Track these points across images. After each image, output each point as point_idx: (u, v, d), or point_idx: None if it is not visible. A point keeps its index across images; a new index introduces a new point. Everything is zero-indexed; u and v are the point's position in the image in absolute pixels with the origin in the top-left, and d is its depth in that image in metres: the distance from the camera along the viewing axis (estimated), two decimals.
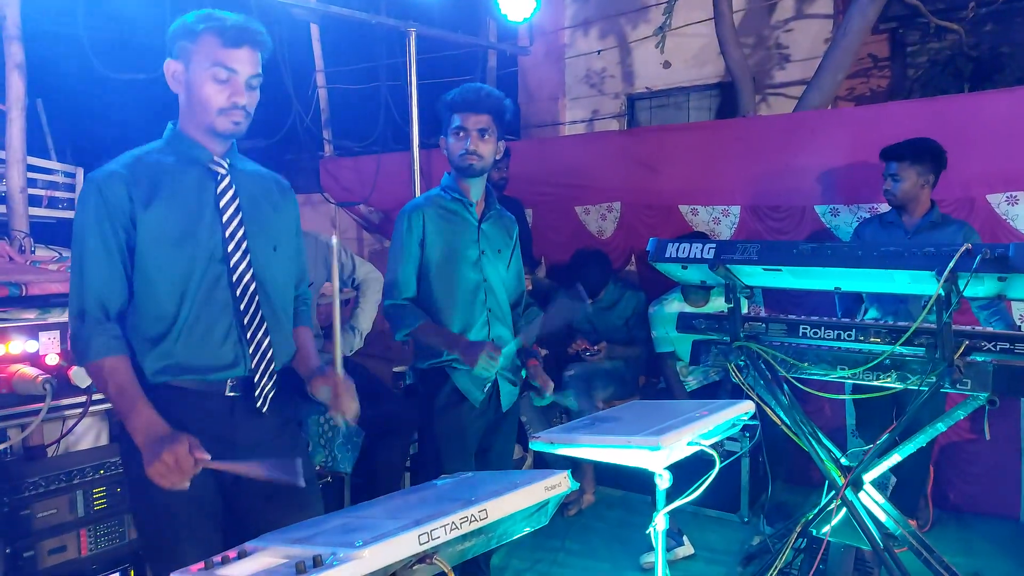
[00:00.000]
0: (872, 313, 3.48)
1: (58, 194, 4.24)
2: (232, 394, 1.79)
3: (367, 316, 3.54)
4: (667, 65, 6.32)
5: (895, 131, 3.44)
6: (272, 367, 1.84)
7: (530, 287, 2.86)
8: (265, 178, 1.96)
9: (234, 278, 1.79)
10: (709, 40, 5.77)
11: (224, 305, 1.78)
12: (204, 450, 1.61)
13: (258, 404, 1.81)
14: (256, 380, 1.80)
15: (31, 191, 3.60)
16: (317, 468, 3.20)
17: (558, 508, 1.51)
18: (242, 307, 1.79)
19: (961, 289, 2.23)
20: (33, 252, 3.26)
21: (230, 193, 1.82)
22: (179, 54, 1.76)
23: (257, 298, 1.82)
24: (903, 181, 3.27)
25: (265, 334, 1.82)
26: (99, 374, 1.68)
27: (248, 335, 1.80)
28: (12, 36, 3.33)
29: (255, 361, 1.80)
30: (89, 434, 2.83)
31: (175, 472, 1.57)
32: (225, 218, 1.79)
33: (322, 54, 6.28)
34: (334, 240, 1.80)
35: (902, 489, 3.43)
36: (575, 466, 3.89)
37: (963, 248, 2.19)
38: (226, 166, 1.83)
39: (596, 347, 4.07)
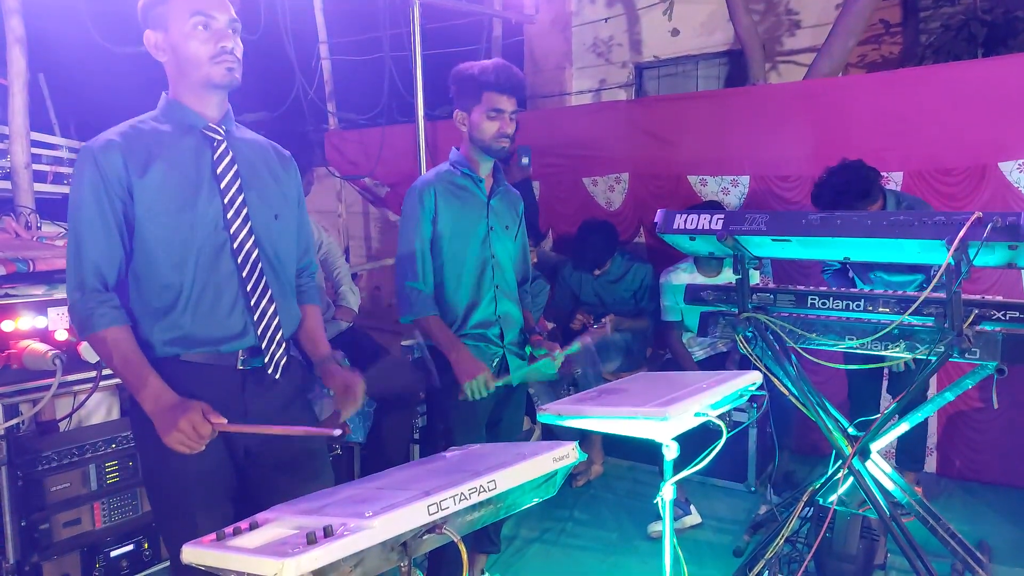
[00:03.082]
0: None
1: (63, 170, 4.23)
2: (243, 368, 1.79)
3: (353, 296, 3.55)
4: (675, 33, 6.23)
5: (907, 98, 3.40)
6: (280, 335, 1.84)
7: (535, 260, 2.85)
8: (264, 146, 1.94)
9: (235, 245, 1.78)
10: (718, 7, 5.69)
11: (229, 274, 1.77)
12: (219, 414, 1.63)
13: (270, 371, 1.81)
14: (264, 347, 1.81)
15: (36, 167, 3.59)
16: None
17: (566, 479, 1.51)
18: (245, 275, 1.79)
19: (971, 258, 2.21)
20: (39, 228, 3.26)
21: (227, 160, 1.80)
22: (155, 23, 1.75)
23: (260, 266, 1.81)
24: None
25: (270, 302, 1.82)
26: (103, 345, 1.68)
27: (253, 303, 1.79)
28: (12, 9, 3.30)
29: (261, 329, 1.80)
30: (100, 408, 2.86)
31: (193, 439, 1.60)
32: (223, 185, 1.78)
33: (325, 25, 6.22)
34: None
35: (906, 443, 3.46)
36: (583, 437, 3.92)
37: (973, 216, 2.17)
38: (222, 132, 1.81)
39: (603, 319, 4.07)
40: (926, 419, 3.43)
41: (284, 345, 1.85)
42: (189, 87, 1.78)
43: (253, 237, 1.80)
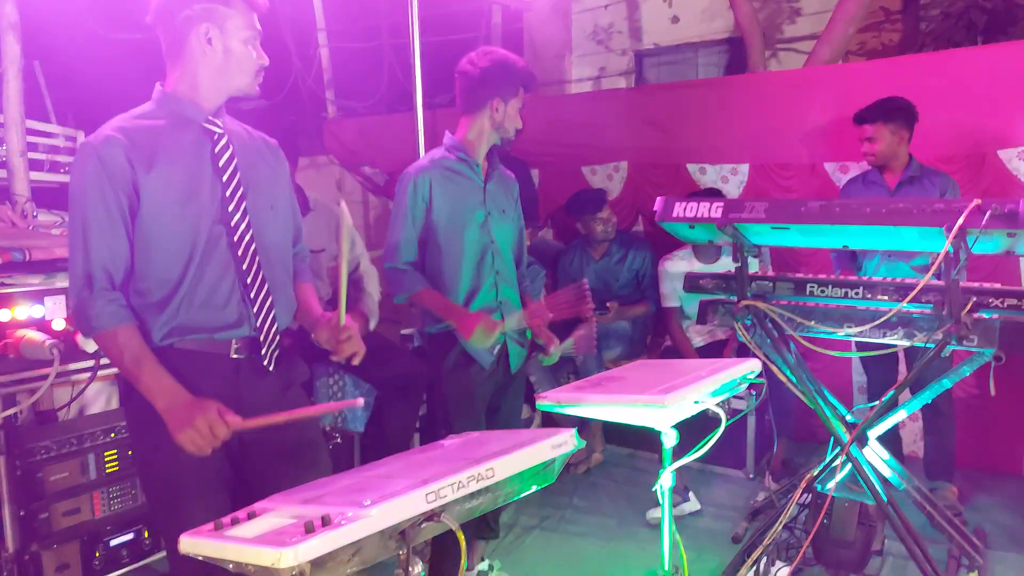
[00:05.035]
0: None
1: (59, 158, 4.20)
2: (237, 356, 1.79)
3: (374, 303, 3.45)
4: (675, 20, 6.20)
5: (906, 85, 3.38)
6: (276, 326, 1.84)
7: (528, 243, 2.87)
8: (254, 137, 1.95)
9: (235, 238, 1.78)
10: None
11: (226, 266, 1.78)
12: (233, 413, 1.63)
13: (264, 362, 1.82)
14: (261, 339, 1.81)
15: (32, 155, 3.57)
16: (327, 428, 3.23)
17: (566, 466, 1.51)
18: (244, 267, 1.79)
19: (970, 246, 2.21)
20: (35, 217, 3.24)
21: (228, 153, 1.80)
22: (210, 16, 1.73)
23: (258, 258, 1.81)
24: (879, 141, 3.30)
25: (268, 294, 1.82)
26: (113, 344, 1.67)
27: (251, 294, 1.80)
28: None
29: (259, 320, 1.80)
30: (100, 398, 2.85)
31: (208, 438, 1.60)
32: (225, 178, 1.78)
33: (323, 12, 6.18)
34: (343, 205, 1.79)
35: (936, 454, 3.45)
36: (583, 425, 3.93)
37: (972, 204, 2.17)
38: (221, 126, 1.82)
39: (607, 305, 4.07)
40: (953, 429, 3.43)
41: (279, 337, 1.85)
42: (215, 84, 1.78)
43: (251, 231, 1.81)
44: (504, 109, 2.49)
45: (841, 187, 3.65)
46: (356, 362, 1.82)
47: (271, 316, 1.83)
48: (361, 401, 1.70)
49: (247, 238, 1.80)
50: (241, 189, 1.80)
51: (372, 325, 3.34)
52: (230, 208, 1.78)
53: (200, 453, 1.61)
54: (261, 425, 1.70)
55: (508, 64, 2.49)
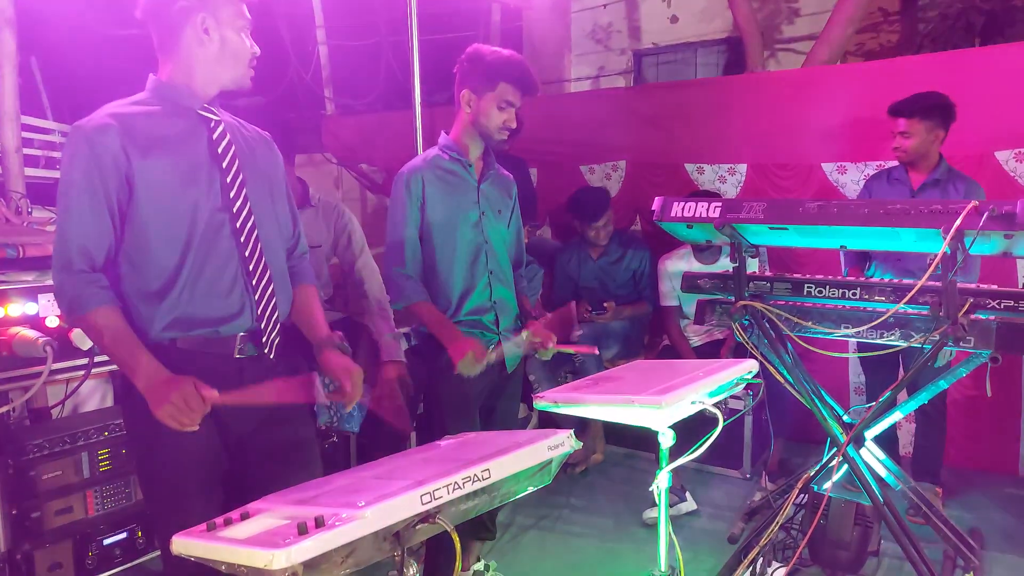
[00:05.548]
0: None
1: (55, 154, 4.18)
2: (240, 356, 1.78)
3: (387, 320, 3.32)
4: (674, 20, 6.20)
5: (904, 86, 3.38)
6: (276, 314, 1.83)
7: (527, 241, 2.84)
8: (248, 128, 1.95)
9: (237, 225, 1.77)
10: None
11: (229, 254, 1.77)
12: (209, 387, 1.62)
13: (265, 351, 1.81)
14: (262, 328, 1.80)
15: (27, 151, 3.55)
16: (322, 428, 3.22)
17: (564, 466, 1.50)
18: (246, 254, 1.78)
19: (967, 247, 2.21)
20: (30, 213, 3.22)
21: (225, 141, 1.79)
22: (205, 5, 1.73)
23: (260, 246, 1.81)
24: (913, 137, 3.20)
25: (269, 282, 1.82)
26: (93, 325, 1.66)
27: (253, 283, 1.79)
28: None
29: (260, 309, 1.80)
30: (94, 396, 2.84)
31: (185, 412, 1.58)
32: (224, 164, 1.78)
33: (321, 9, 6.16)
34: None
35: (923, 456, 3.45)
36: (584, 425, 3.92)
37: (970, 205, 2.16)
38: (216, 114, 1.81)
39: (604, 305, 4.06)
40: (943, 432, 3.44)
41: (279, 327, 1.85)
42: (211, 74, 1.77)
43: (253, 217, 1.80)
44: (476, 103, 2.43)
45: (864, 182, 3.62)
46: (348, 408, 1.85)
47: (272, 304, 1.82)
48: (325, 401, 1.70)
49: (249, 226, 1.79)
50: (241, 176, 1.79)
51: (400, 354, 3.14)
52: (231, 195, 1.77)
53: (181, 428, 1.59)
54: (237, 402, 1.68)
55: (480, 57, 2.42)
